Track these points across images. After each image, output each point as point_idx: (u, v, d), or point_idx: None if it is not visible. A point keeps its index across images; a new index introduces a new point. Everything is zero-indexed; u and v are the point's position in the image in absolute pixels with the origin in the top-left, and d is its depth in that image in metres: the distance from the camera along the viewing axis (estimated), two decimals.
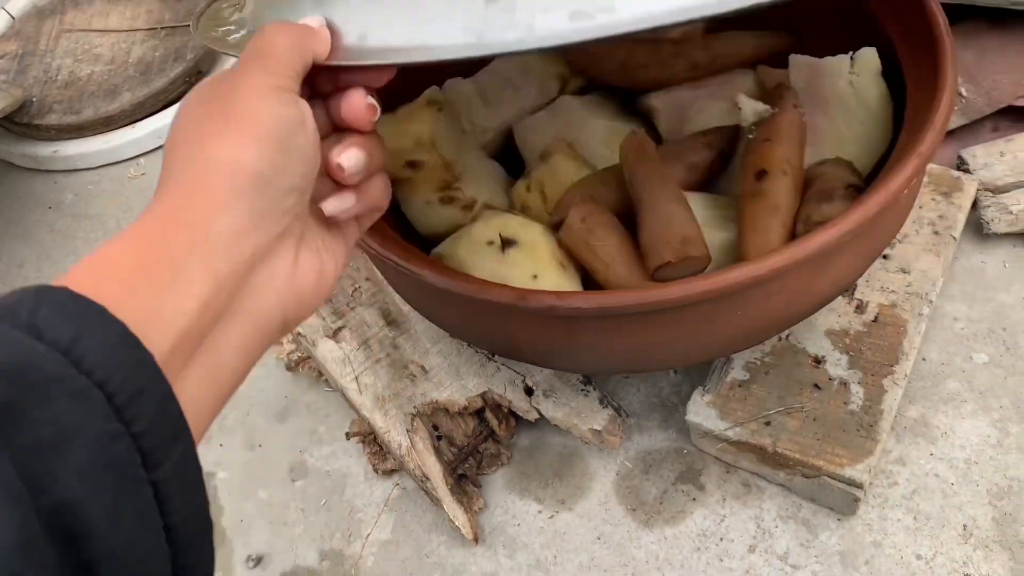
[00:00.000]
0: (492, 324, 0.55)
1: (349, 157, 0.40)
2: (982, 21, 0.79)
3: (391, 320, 0.69)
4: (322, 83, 0.41)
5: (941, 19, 0.57)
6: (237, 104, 0.36)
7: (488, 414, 0.64)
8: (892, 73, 0.61)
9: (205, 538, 0.30)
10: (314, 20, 0.40)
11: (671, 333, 0.52)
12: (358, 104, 0.40)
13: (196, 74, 0.98)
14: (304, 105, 0.37)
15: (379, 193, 0.43)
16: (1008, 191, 0.70)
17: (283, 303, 0.37)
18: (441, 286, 0.51)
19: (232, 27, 0.47)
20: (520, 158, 0.74)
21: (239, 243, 0.34)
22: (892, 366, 0.61)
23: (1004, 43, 0.77)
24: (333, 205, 0.40)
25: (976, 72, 0.76)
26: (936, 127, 0.50)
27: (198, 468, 0.29)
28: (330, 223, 0.42)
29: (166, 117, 0.94)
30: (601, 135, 0.68)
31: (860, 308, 0.64)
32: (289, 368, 0.72)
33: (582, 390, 0.63)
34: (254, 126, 0.35)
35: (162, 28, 1.01)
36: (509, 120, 0.73)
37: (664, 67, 0.69)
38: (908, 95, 0.58)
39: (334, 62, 0.39)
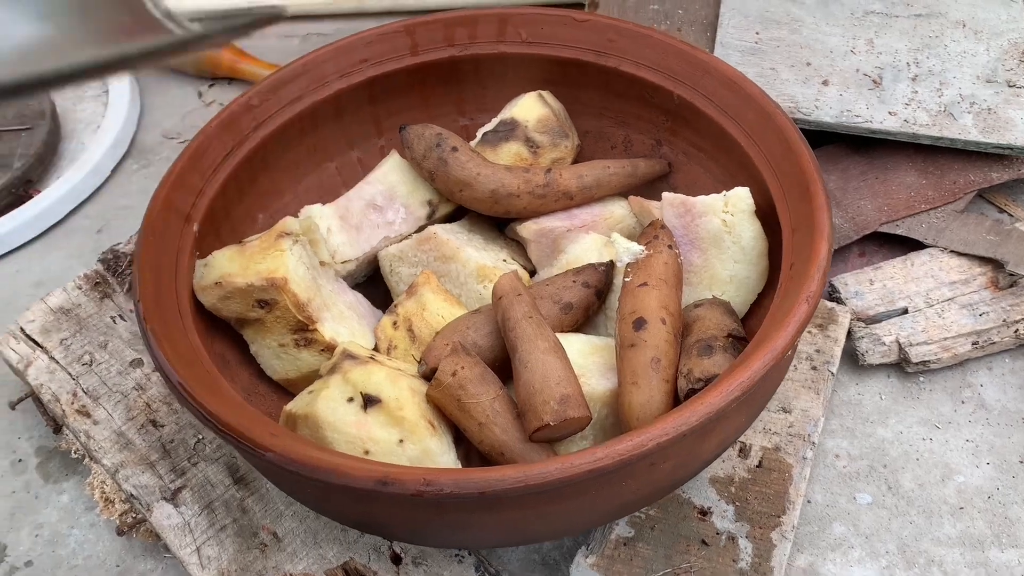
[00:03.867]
0: (352, 505, 0.48)
1: None
2: (844, 146, 0.80)
3: (239, 478, 0.62)
4: None
5: (812, 163, 0.56)
6: None
7: None
8: (766, 209, 0.60)
9: None
10: None
11: (551, 508, 0.47)
12: None
13: (24, 184, 0.89)
14: None
15: None
16: (879, 321, 0.69)
17: None
18: (287, 468, 0.45)
19: None
20: (384, 288, 0.69)
21: None
22: (779, 516, 0.58)
23: (865, 169, 0.79)
24: None
25: (841, 197, 0.77)
26: (814, 294, 0.48)
27: None
28: None
29: None
30: (472, 268, 0.64)
31: (744, 452, 0.61)
32: (121, 532, 0.63)
33: (456, 555, 0.57)
34: None
35: None
36: (374, 248, 0.68)
37: (535, 196, 0.66)
38: (784, 238, 0.56)
39: None
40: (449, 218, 0.71)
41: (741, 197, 0.59)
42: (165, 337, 0.51)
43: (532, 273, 0.68)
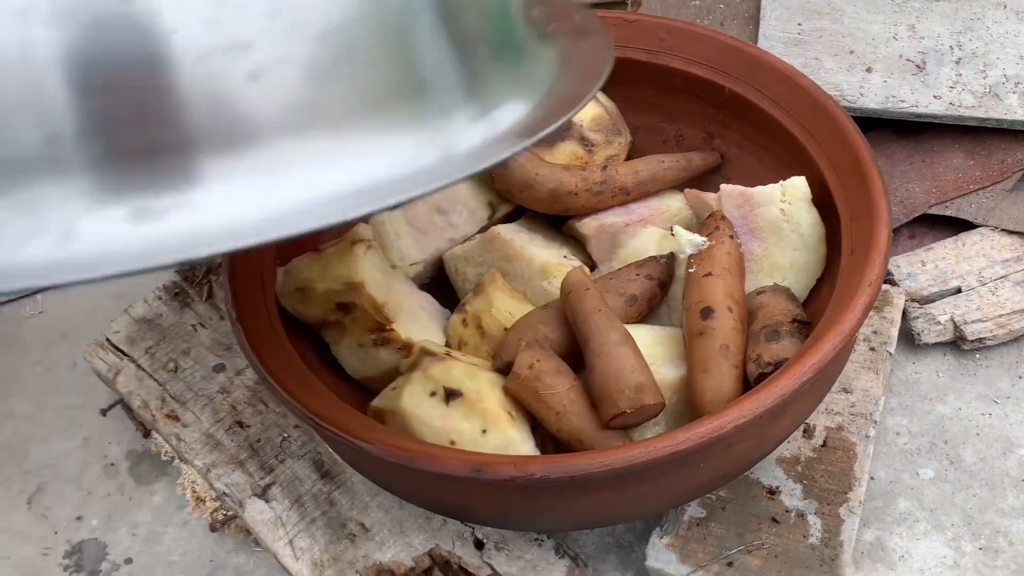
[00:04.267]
0: (443, 492, 0.51)
1: None
2: (889, 131, 0.82)
3: (325, 472, 0.65)
4: None
5: (867, 152, 0.58)
6: None
7: (437, 574, 0.60)
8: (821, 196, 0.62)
9: None
10: None
11: (633, 491, 0.50)
12: None
13: None
14: None
15: None
16: (933, 301, 0.71)
17: None
18: (387, 458, 0.48)
19: None
20: (451, 287, 0.72)
21: None
22: (846, 493, 0.60)
23: (912, 152, 0.80)
24: None
25: (888, 181, 0.79)
26: (877, 279, 0.50)
27: None
28: None
29: None
30: (537, 266, 0.67)
31: (808, 433, 0.63)
32: (213, 528, 0.67)
33: (535, 539, 0.60)
34: None
35: None
36: (440, 250, 0.71)
37: (593, 194, 0.68)
38: (842, 225, 0.58)
39: None
40: (508, 218, 0.74)
41: (798, 186, 0.61)
42: (261, 343, 0.54)
43: (592, 268, 0.70)
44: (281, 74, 0.27)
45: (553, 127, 0.33)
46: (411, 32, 0.29)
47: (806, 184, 0.61)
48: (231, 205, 0.27)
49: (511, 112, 0.33)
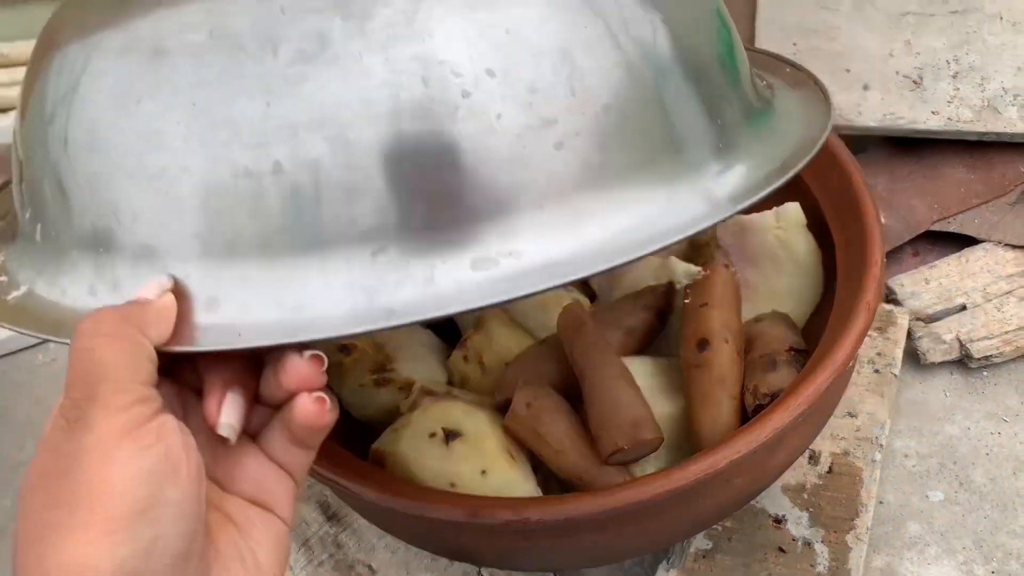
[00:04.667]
0: (444, 535, 0.51)
1: (228, 416, 0.33)
2: (890, 147, 0.81)
3: (331, 515, 0.65)
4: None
5: (859, 177, 0.57)
6: (81, 475, 0.28)
7: None
8: (816, 221, 0.62)
9: None
10: (151, 287, 0.32)
11: (632, 529, 0.50)
12: (299, 373, 0.34)
13: None
14: (171, 429, 0.30)
15: (308, 410, 0.35)
16: (939, 319, 0.71)
17: None
18: (384, 504, 0.48)
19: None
20: (451, 322, 0.72)
21: None
22: (853, 520, 0.60)
23: (913, 168, 0.80)
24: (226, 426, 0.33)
25: (890, 198, 0.78)
26: (872, 304, 0.50)
27: None
28: (258, 495, 0.36)
29: None
30: (536, 299, 0.67)
31: (814, 459, 0.63)
32: None
33: None
34: (105, 504, 0.28)
35: None
36: None
37: None
38: (837, 250, 0.58)
39: (178, 348, 0.32)
40: None
41: (792, 212, 0.61)
42: None
43: (592, 298, 0.70)
44: (579, 142, 0.33)
45: (796, 170, 0.38)
46: (667, 100, 0.35)
47: (800, 210, 0.61)
48: (546, 251, 0.32)
49: (758, 158, 0.38)
